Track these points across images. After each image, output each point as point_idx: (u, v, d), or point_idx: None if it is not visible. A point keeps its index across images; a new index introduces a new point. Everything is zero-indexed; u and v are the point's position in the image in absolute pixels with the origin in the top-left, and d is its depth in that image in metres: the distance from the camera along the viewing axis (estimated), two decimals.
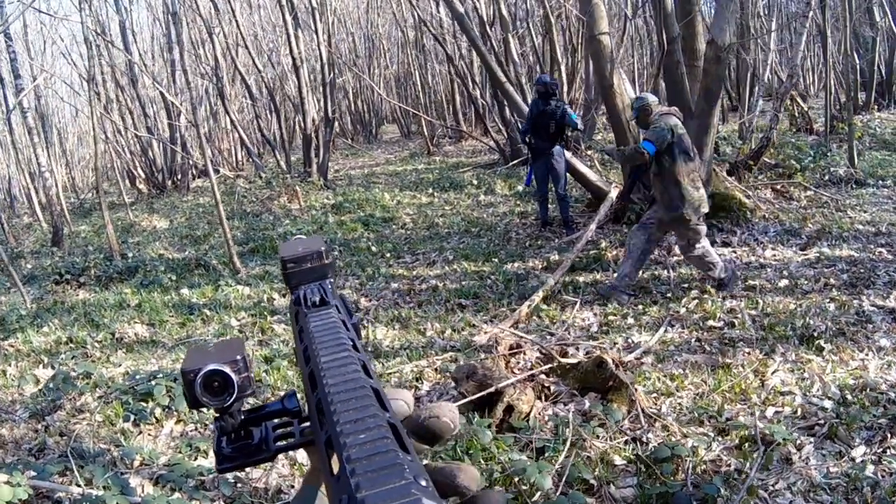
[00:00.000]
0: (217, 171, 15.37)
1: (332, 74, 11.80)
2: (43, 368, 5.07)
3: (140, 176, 15.59)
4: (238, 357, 0.45)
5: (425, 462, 0.37)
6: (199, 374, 0.43)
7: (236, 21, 11.40)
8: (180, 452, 3.57)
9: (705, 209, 4.62)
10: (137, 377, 4.38)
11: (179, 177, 15.06)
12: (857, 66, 12.00)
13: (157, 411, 3.96)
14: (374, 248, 7.40)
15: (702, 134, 6.14)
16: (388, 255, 7.09)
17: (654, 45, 19.06)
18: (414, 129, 22.02)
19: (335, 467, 0.33)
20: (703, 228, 4.65)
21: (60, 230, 10.57)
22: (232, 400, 0.44)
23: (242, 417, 0.47)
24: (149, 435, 3.93)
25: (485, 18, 11.80)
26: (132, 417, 4.01)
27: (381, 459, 0.31)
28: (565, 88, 11.90)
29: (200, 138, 6.94)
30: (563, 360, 3.24)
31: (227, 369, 0.44)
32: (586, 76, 12.53)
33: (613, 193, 5.68)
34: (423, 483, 0.30)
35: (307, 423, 0.48)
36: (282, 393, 0.48)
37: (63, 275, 7.60)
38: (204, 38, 11.87)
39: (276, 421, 0.49)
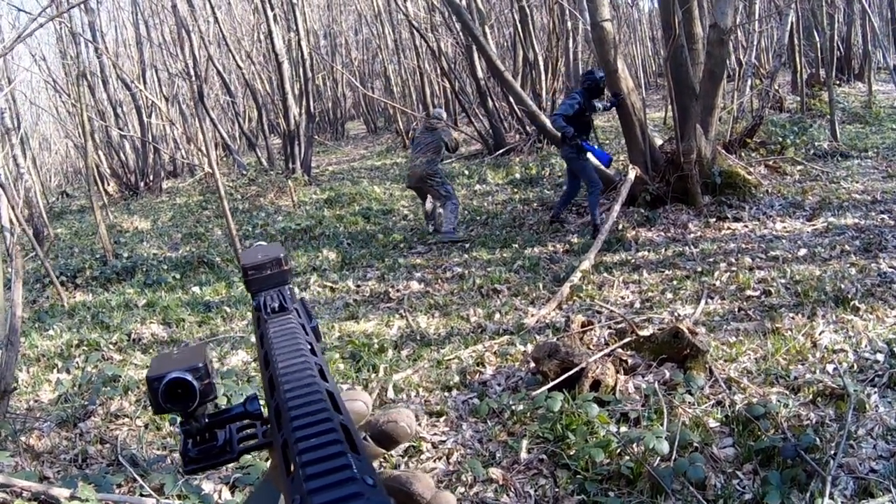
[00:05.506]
0: (193, 172, 15.10)
1: (311, 70, 11.72)
2: (58, 373, 4.92)
3: (108, 178, 15.15)
4: (200, 364, 0.46)
5: (381, 471, 0.39)
6: (162, 383, 0.45)
7: (215, 17, 11.19)
8: (248, 453, 3.54)
9: None
10: None
11: (151, 178, 14.72)
12: (818, 44, 12.53)
13: None
14: (382, 239, 7.43)
15: (706, 115, 6.38)
16: (402, 245, 7.14)
17: (655, 31, 19.39)
18: (381, 125, 21.91)
19: (291, 469, 0.34)
20: None
21: (41, 233, 10.24)
22: (194, 406, 0.45)
23: (207, 421, 0.48)
24: None
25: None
26: (179, 420, 3.95)
27: (331, 460, 0.32)
28: (544, 77, 12.08)
29: (201, 133, 6.81)
30: (640, 333, 3.40)
31: (188, 377, 0.45)
32: (567, 64, 12.71)
33: (632, 175, 5.86)
34: (370, 481, 0.31)
35: (269, 425, 0.49)
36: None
37: (57, 277, 7.39)
38: (178, 36, 11.57)
39: (239, 423, 0.50)
